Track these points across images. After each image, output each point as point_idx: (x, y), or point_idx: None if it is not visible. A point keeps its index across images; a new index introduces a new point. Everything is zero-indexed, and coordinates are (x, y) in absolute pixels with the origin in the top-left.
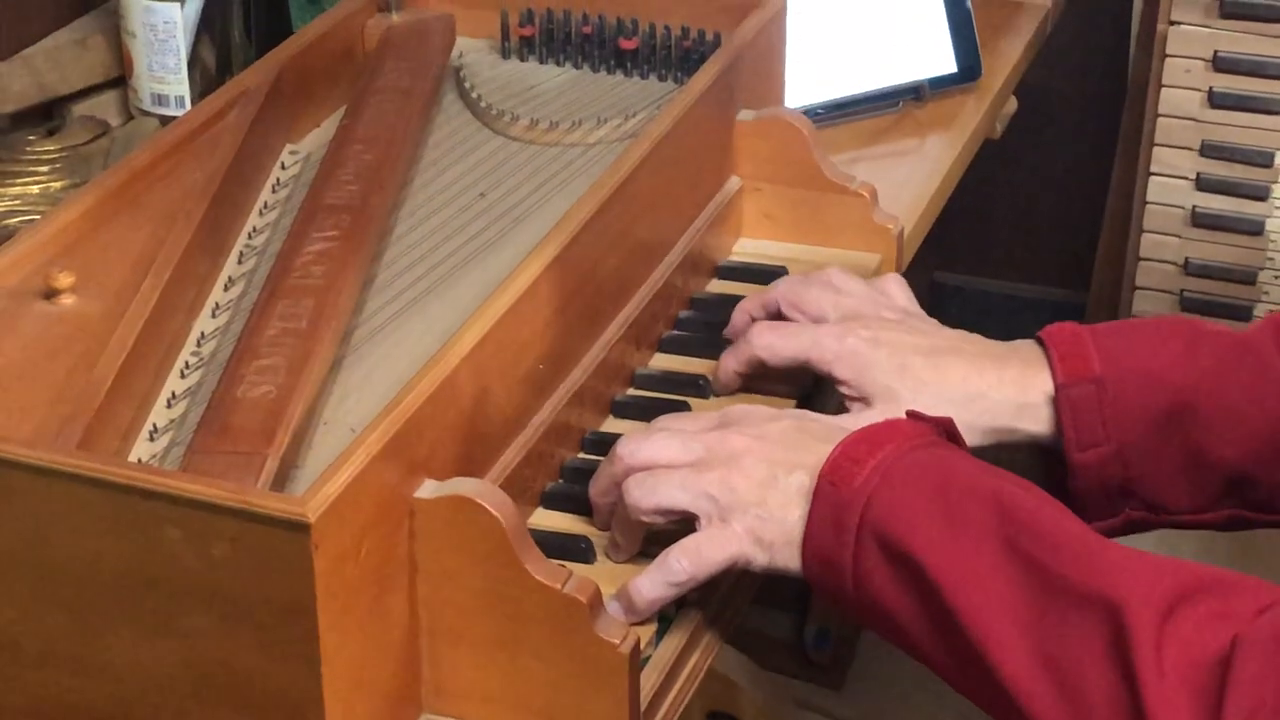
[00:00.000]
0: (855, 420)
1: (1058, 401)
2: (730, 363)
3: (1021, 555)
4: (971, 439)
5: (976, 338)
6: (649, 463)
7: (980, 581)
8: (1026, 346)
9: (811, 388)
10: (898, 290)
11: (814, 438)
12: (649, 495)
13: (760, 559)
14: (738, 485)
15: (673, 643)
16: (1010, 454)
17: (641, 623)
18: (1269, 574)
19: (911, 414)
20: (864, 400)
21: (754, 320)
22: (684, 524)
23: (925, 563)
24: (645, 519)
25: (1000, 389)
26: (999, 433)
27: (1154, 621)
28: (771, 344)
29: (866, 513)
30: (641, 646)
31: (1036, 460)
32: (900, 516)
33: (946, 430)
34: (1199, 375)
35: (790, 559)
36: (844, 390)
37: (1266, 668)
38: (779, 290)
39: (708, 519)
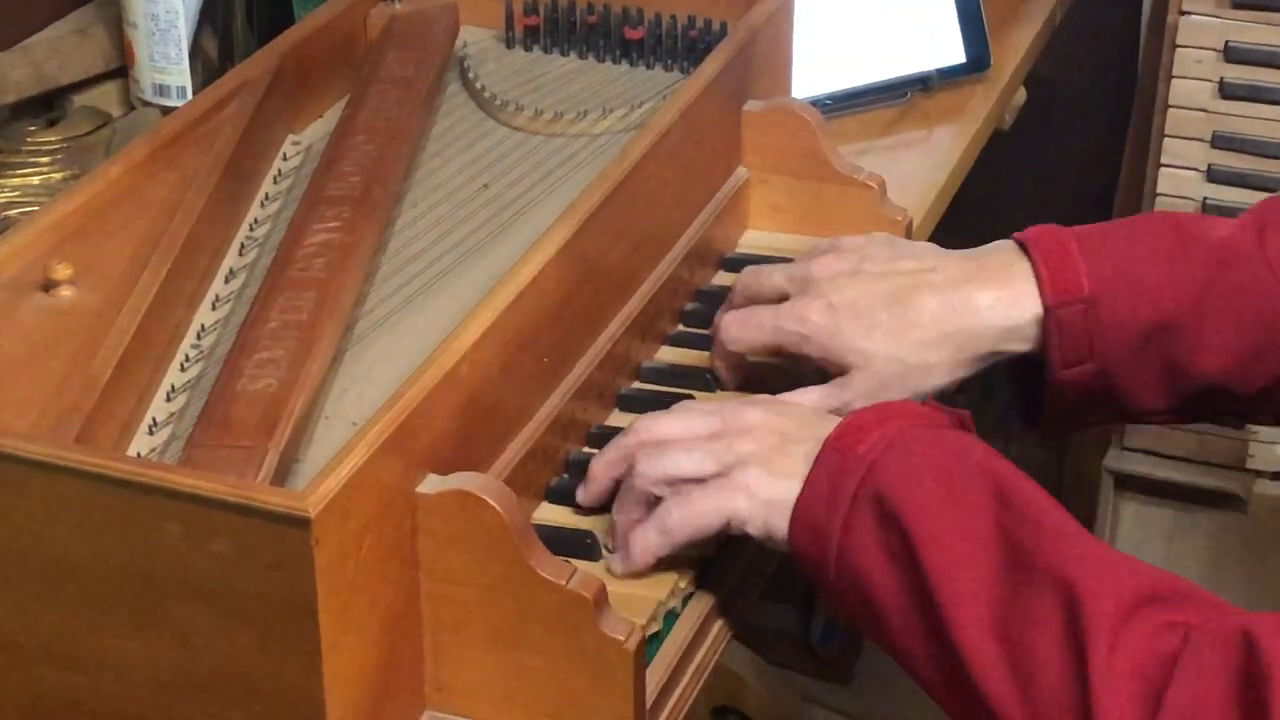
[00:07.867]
0: (841, 388)
1: (1046, 323)
2: (717, 363)
3: (1007, 540)
4: (955, 374)
5: (943, 256)
6: (664, 437)
7: (962, 559)
8: (1004, 255)
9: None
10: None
11: (830, 420)
12: (655, 464)
13: (756, 519)
14: (744, 448)
15: (679, 637)
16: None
17: (649, 621)
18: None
19: (930, 404)
20: (843, 370)
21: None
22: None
23: (914, 530)
24: (652, 489)
25: (979, 316)
26: (981, 359)
27: (1113, 617)
28: (736, 337)
29: (869, 476)
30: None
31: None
32: (902, 482)
33: (961, 422)
34: (1184, 292)
35: (780, 522)
36: (824, 367)
37: (1211, 663)
38: (737, 285)
39: (712, 477)
